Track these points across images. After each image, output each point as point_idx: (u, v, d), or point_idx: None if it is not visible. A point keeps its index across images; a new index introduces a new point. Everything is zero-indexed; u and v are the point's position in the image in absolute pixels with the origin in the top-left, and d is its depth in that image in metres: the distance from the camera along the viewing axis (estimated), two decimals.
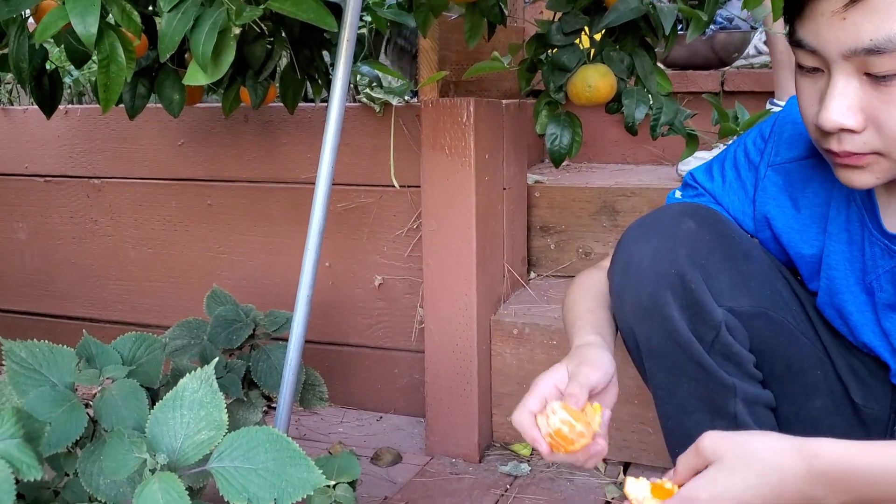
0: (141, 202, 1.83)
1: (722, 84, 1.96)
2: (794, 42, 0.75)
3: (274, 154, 1.71)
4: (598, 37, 1.41)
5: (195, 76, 0.84)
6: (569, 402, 0.76)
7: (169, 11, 0.80)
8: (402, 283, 1.65)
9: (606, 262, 0.97)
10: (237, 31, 0.81)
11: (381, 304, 1.68)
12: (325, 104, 1.56)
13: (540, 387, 0.79)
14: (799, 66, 0.77)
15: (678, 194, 1.04)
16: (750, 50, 2.31)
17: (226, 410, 0.70)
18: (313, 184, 1.69)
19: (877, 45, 0.68)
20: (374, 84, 1.53)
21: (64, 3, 0.93)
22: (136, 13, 0.94)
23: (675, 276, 0.84)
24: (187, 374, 0.71)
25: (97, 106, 1.87)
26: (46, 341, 0.83)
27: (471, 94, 1.74)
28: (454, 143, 1.47)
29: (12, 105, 1.97)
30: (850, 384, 0.92)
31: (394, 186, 1.61)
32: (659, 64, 1.48)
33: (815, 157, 0.90)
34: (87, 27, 0.89)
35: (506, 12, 1.45)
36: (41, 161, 1.90)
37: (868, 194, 0.86)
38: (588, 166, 2.07)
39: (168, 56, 0.83)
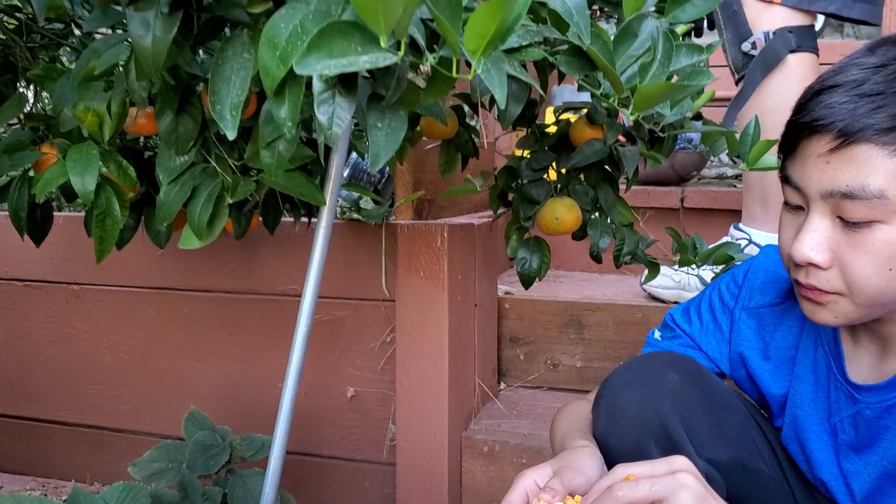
0: (119, 309, 1.86)
1: (682, 201, 2.07)
2: (784, 178, 0.83)
3: (252, 266, 1.77)
4: (563, 170, 1.50)
5: (189, 241, 0.90)
6: (545, 494, 0.79)
7: (168, 183, 0.86)
8: (374, 395, 1.69)
9: (593, 395, 1.03)
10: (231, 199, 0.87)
11: (353, 415, 1.71)
12: (304, 222, 1.63)
13: (521, 482, 0.82)
14: (785, 203, 0.85)
15: (657, 335, 1.12)
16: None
17: None
18: (290, 296, 1.76)
19: (851, 191, 0.75)
20: (352, 208, 1.60)
21: (64, 158, 0.99)
22: (131, 168, 1.01)
23: (659, 426, 0.90)
24: None
25: (79, 214, 1.92)
26: (39, 494, 0.86)
27: (444, 208, 1.82)
28: (428, 265, 1.54)
29: None
30: None
31: (369, 300, 1.67)
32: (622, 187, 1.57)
33: (786, 303, 0.98)
34: (85, 185, 0.95)
35: (478, 145, 1.53)
36: (21, 266, 1.93)
37: (835, 341, 0.93)
38: (555, 274, 2.15)
39: (165, 224, 0.89)
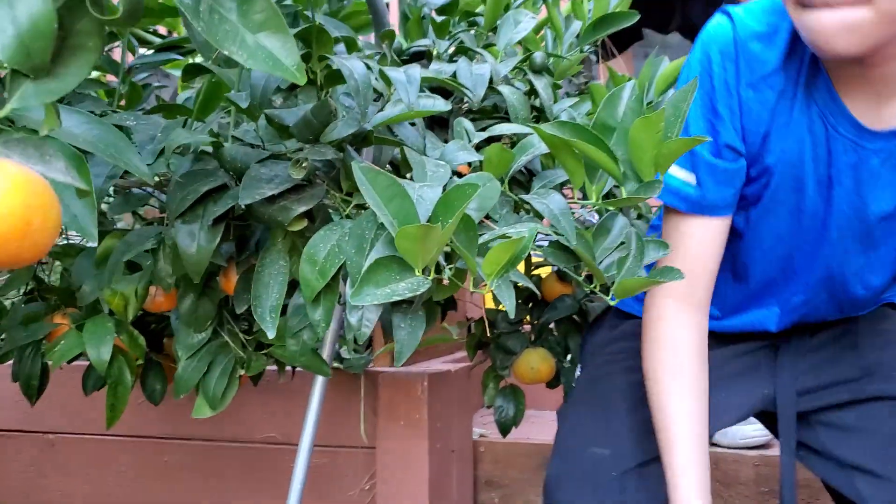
0: (95, 458, 1.86)
1: None
2: None
3: (231, 414, 1.79)
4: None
5: (202, 410, 0.96)
6: None
7: (186, 359, 0.93)
8: None
9: (681, 316, 0.99)
10: (242, 371, 0.94)
11: None
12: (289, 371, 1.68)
13: None
14: None
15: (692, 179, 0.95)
16: None
17: None
18: (269, 444, 1.79)
19: None
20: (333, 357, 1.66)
21: (79, 330, 1.05)
22: (141, 338, 1.07)
23: None
24: None
25: None
26: None
27: (420, 353, 1.89)
28: (409, 413, 1.60)
29: None
30: None
31: (348, 448, 1.71)
32: None
33: (782, 72, 0.91)
34: (100, 356, 1.01)
35: (457, 300, 1.63)
36: None
37: (829, 94, 0.89)
38: (528, 415, 2.20)
39: (182, 396, 0.95)
